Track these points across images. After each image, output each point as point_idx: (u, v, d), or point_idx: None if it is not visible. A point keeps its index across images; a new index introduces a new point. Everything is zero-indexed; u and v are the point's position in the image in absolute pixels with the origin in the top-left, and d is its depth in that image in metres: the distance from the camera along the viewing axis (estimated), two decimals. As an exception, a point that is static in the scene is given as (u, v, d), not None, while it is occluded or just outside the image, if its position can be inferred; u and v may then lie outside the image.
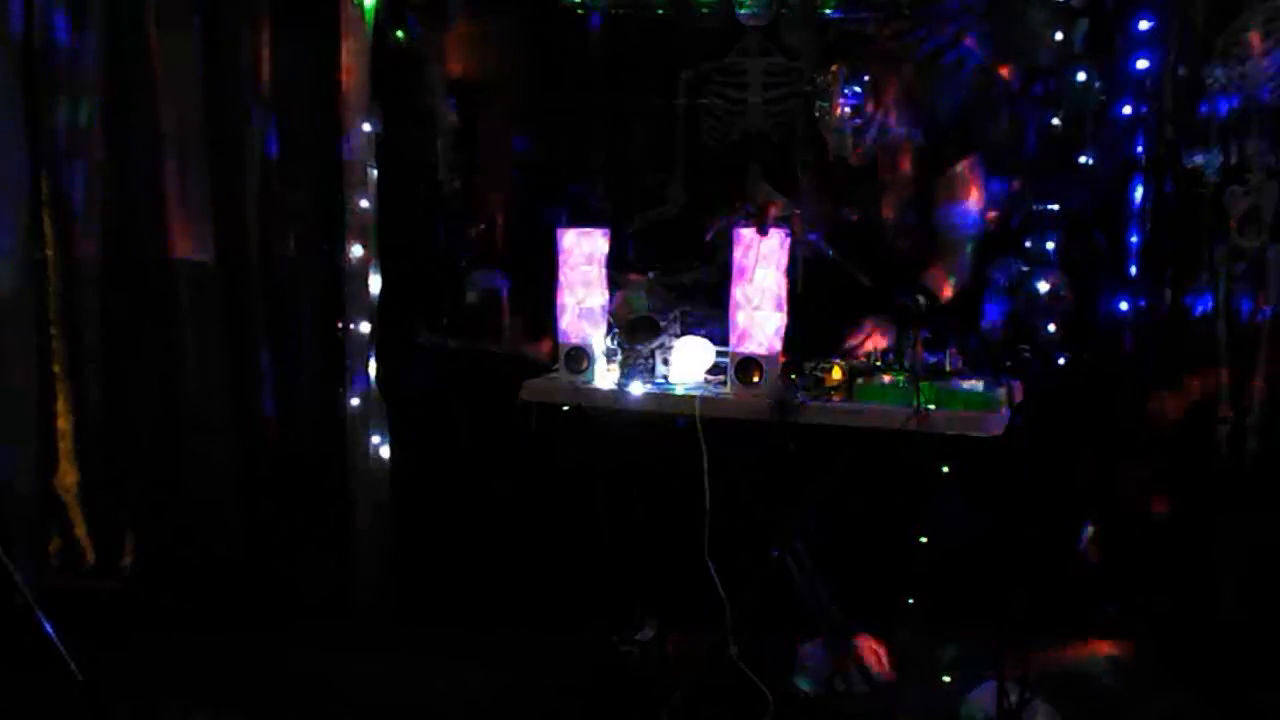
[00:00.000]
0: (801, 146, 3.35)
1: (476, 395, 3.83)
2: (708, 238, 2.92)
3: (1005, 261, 3.56)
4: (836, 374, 2.70)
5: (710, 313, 2.91)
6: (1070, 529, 3.65)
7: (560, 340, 2.90)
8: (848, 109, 3.12)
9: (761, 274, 2.70)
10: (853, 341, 2.81)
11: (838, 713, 3.20)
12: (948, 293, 3.16)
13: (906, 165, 3.21)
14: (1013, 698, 2.93)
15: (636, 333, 2.90)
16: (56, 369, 4.08)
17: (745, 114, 3.81)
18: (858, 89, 3.11)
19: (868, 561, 3.38)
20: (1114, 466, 3.60)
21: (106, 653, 3.30)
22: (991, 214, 3.38)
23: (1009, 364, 2.82)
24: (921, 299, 3.01)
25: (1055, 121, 3.61)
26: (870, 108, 3.13)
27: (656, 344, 2.87)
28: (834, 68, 3.15)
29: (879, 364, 2.73)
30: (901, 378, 2.64)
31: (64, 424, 4.10)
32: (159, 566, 4.08)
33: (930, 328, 2.78)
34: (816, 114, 3.21)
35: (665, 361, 2.87)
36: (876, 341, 2.83)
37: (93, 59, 3.94)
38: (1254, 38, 3.31)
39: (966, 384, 2.64)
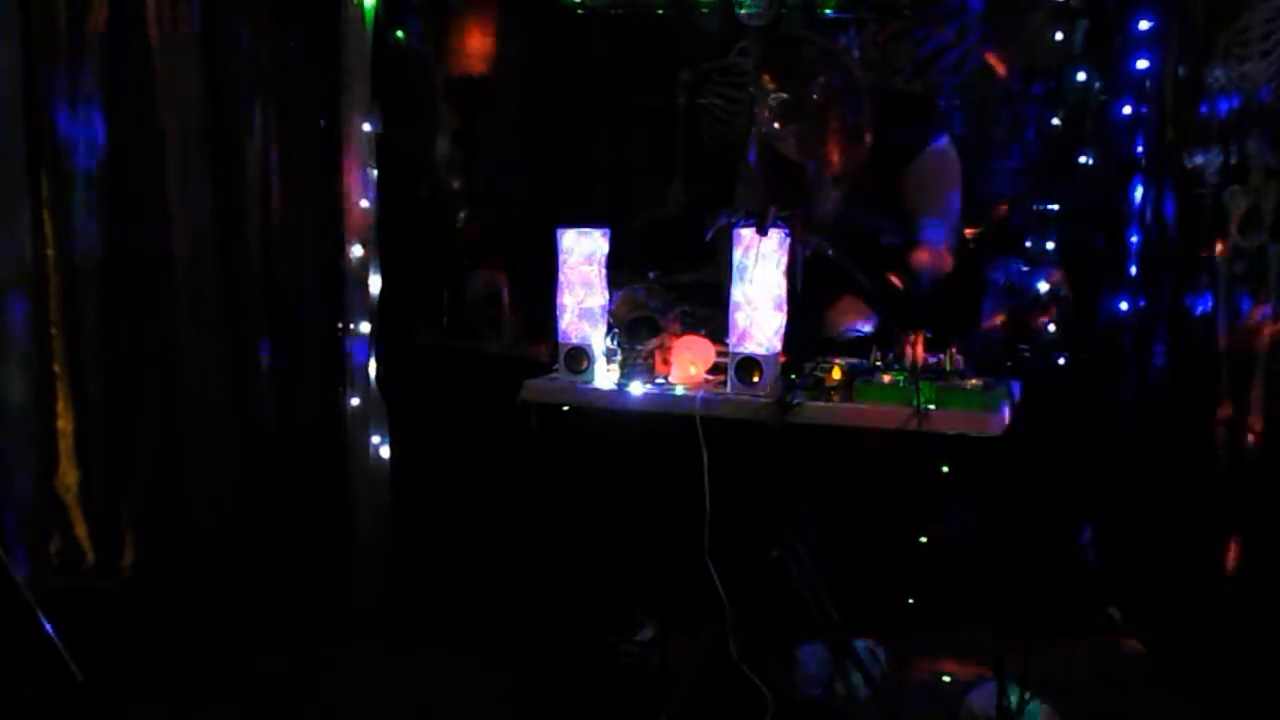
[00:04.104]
0: (751, 150, 3.33)
1: (476, 395, 3.83)
2: (708, 238, 2.91)
3: (1005, 261, 3.56)
4: (836, 374, 2.70)
5: (710, 312, 2.91)
6: (1070, 529, 3.64)
7: (560, 340, 2.90)
8: (775, 123, 3.08)
9: (761, 274, 2.70)
10: (832, 317, 2.79)
11: (838, 713, 3.20)
12: (935, 262, 3.12)
13: (862, 162, 3.14)
14: (1013, 698, 2.93)
15: (636, 332, 2.90)
16: (56, 369, 4.08)
17: (745, 114, 3.82)
18: (784, 95, 3.06)
19: (868, 561, 3.38)
20: (1114, 466, 3.60)
21: (106, 653, 3.33)
22: (971, 200, 3.35)
23: (1009, 364, 2.81)
24: (898, 282, 3.00)
25: (1055, 121, 3.61)
26: (807, 111, 3.07)
27: (656, 344, 2.87)
28: (763, 77, 3.11)
29: (879, 364, 2.73)
30: (901, 377, 2.64)
31: (64, 424, 4.10)
32: (159, 566, 4.08)
33: (929, 326, 2.78)
34: (756, 121, 3.18)
35: (665, 361, 2.87)
36: (855, 317, 2.81)
37: (93, 60, 3.95)
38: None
39: (967, 384, 2.63)
